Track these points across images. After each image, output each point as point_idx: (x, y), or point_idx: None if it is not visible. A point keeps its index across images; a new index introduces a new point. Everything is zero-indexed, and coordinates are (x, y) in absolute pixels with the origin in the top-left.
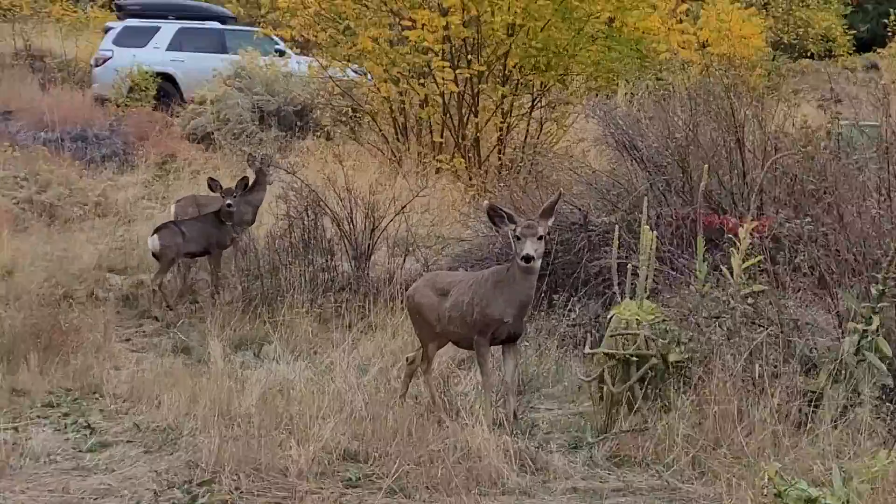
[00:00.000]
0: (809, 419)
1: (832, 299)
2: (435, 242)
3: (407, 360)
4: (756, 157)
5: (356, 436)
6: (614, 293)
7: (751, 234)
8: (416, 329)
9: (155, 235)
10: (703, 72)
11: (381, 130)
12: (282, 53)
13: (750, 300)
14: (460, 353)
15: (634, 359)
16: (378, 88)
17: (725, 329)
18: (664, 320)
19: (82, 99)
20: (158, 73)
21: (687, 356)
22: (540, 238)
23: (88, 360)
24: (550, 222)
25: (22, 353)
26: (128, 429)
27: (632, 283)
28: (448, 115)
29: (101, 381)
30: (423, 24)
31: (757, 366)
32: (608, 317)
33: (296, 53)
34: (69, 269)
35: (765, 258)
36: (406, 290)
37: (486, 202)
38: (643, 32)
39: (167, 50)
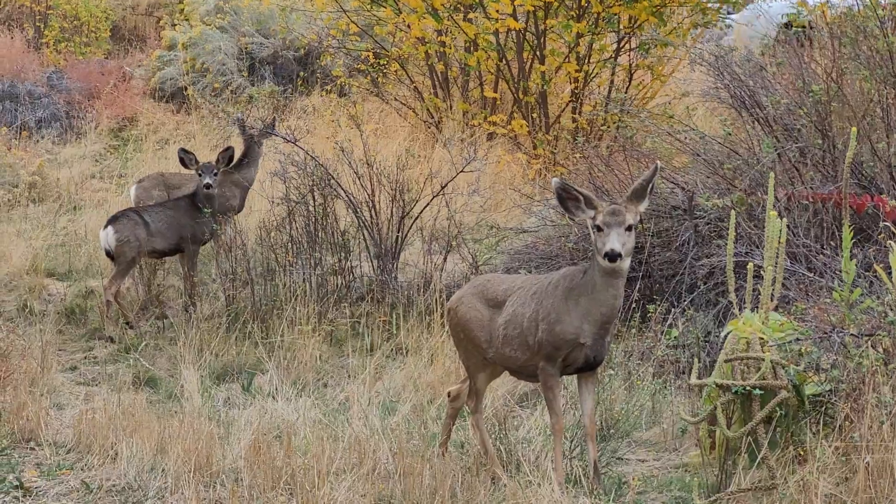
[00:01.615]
0: None
1: None
2: (487, 235)
3: (449, 396)
4: None
5: (381, 498)
6: (730, 303)
7: None
8: (460, 353)
9: (109, 228)
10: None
11: (412, 82)
12: None
13: None
14: (521, 384)
15: (758, 392)
16: (409, 26)
17: (882, 351)
18: (798, 339)
19: (10, 43)
20: None
21: (829, 388)
22: (629, 228)
23: (20, 396)
24: (643, 207)
25: None
26: (73, 489)
27: (754, 290)
28: (504, 62)
29: (38, 424)
30: None
31: None
32: (722, 335)
33: None
34: None
35: None
36: (449, 298)
37: (555, 180)
38: None
39: None
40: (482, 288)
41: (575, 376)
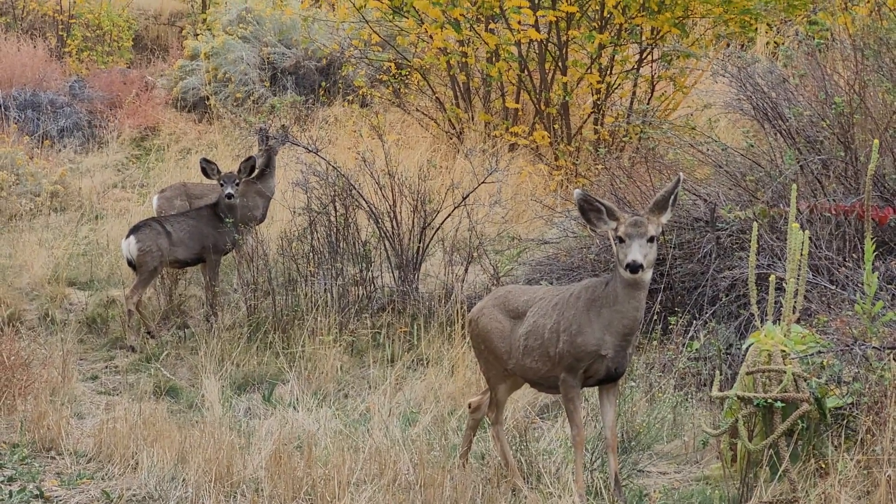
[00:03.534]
0: None
1: None
2: (508, 246)
3: (469, 407)
4: None
5: None
6: (752, 315)
7: None
8: (481, 364)
9: (131, 237)
10: (874, 12)
11: (434, 93)
12: None
13: None
14: (542, 396)
15: (780, 404)
16: (431, 36)
17: None
18: (820, 352)
19: (33, 52)
20: None
21: (851, 401)
22: (651, 240)
23: (41, 405)
24: (665, 219)
25: None
26: (94, 499)
27: (776, 302)
28: (526, 73)
29: (59, 433)
30: None
31: None
32: (744, 347)
33: None
34: (15, 282)
35: None
36: (470, 309)
37: (577, 191)
38: None
39: None
40: (504, 299)
41: (596, 388)
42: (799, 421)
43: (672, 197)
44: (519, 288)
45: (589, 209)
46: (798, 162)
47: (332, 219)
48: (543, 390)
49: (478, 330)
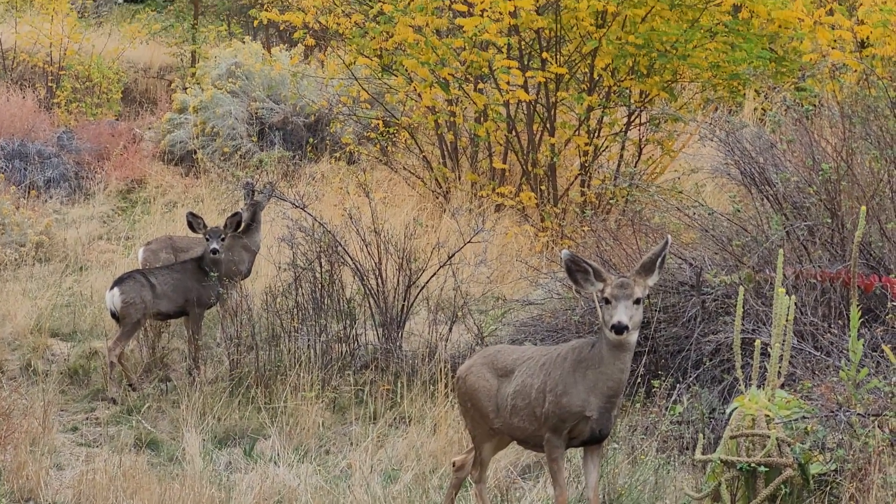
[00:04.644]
0: None
1: None
2: (493, 306)
3: (454, 466)
4: None
5: None
6: (736, 379)
7: None
8: (467, 422)
9: (115, 289)
10: (862, 81)
11: (422, 152)
12: None
13: None
14: (524, 456)
15: (763, 469)
16: (420, 95)
17: (888, 432)
18: (804, 418)
19: (22, 103)
20: None
21: (835, 468)
22: (637, 302)
23: (21, 455)
24: (652, 281)
25: None
26: None
27: (761, 367)
28: (514, 133)
29: (38, 484)
30: (484, 10)
31: None
32: (728, 411)
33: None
34: None
35: None
36: (454, 368)
37: (564, 251)
38: (779, 26)
39: None
40: (493, 358)
41: (580, 448)
42: (782, 486)
43: (659, 259)
44: (508, 347)
45: (576, 270)
46: (784, 228)
47: (318, 275)
48: (530, 448)
49: (465, 388)
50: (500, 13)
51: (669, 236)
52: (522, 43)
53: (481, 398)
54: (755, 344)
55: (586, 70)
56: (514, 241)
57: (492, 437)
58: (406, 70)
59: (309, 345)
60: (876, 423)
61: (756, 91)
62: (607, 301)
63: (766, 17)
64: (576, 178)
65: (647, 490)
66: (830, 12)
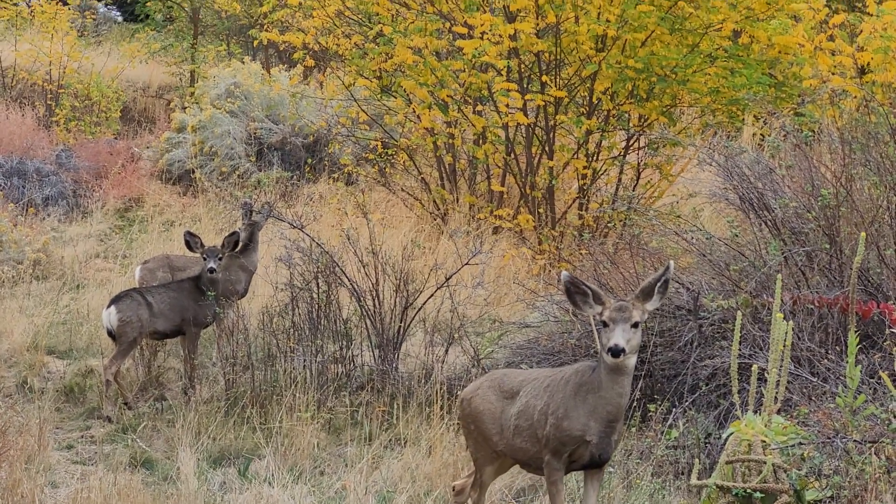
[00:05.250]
0: None
1: None
2: (489, 328)
3: (454, 491)
4: None
5: None
6: (733, 404)
7: None
8: (469, 445)
9: (112, 307)
10: (862, 107)
11: (420, 173)
12: None
13: None
14: (519, 479)
15: (759, 495)
16: (419, 117)
17: (885, 459)
18: (800, 443)
19: (21, 121)
20: None
21: (831, 494)
22: (635, 325)
23: (15, 473)
24: (652, 306)
25: None
26: None
27: (757, 392)
28: (513, 156)
29: (33, 502)
30: (483, 33)
31: None
32: (724, 436)
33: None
34: None
35: None
36: (450, 390)
37: (564, 273)
38: (780, 51)
39: None
40: (499, 381)
41: (581, 472)
42: None
43: (659, 284)
44: (515, 371)
45: (575, 292)
46: (783, 253)
47: (314, 295)
48: (531, 471)
49: (469, 410)
50: (500, 36)
51: (672, 262)
52: (522, 66)
53: (485, 420)
54: (752, 369)
55: (585, 94)
56: (512, 264)
57: (494, 459)
58: (405, 91)
59: (305, 365)
60: (872, 449)
61: (755, 116)
62: (605, 324)
63: (767, 43)
64: (574, 201)
65: None
66: (831, 38)
